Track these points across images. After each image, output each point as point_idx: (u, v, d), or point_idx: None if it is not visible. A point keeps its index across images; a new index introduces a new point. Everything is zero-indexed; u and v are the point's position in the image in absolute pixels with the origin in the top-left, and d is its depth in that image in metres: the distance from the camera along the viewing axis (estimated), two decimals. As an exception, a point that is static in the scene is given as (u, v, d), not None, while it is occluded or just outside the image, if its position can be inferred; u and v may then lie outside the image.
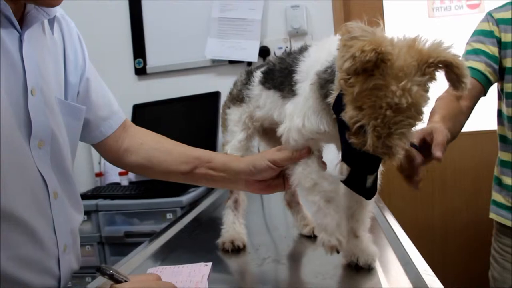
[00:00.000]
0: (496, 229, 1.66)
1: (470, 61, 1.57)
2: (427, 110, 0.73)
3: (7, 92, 0.78)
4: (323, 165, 0.93)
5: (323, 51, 0.88)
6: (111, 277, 0.69)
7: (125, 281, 0.69)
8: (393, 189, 2.30)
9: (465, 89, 0.72)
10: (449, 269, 2.19)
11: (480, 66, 1.55)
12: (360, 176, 0.80)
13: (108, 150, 1.12)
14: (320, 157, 0.93)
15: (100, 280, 0.99)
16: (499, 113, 1.63)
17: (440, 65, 0.71)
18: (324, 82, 0.83)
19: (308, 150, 0.92)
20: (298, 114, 0.90)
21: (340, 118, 0.78)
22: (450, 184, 2.33)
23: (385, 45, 0.69)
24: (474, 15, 2.32)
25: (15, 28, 0.82)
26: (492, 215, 1.65)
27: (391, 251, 1.05)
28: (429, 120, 1.36)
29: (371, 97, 0.70)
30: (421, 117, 0.72)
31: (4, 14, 0.79)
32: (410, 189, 2.35)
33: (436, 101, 1.48)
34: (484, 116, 2.03)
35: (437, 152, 1.13)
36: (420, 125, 0.73)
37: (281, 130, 0.95)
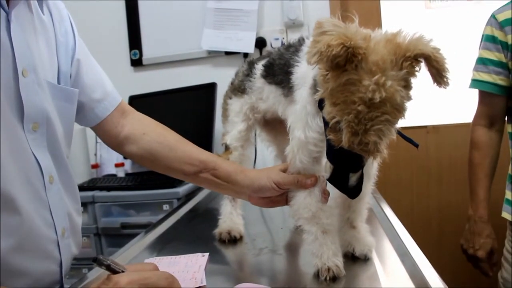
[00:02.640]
0: (510, 230, 1.62)
1: (479, 72, 1.59)
2: (409, 106, 0.71)
3: None
4: (325, 195, 0.92)
5: None
6: (108, 268, 0.68)
7: (122, 271, 0.69)
8: (389, 180, 2.31)
9: (447, 83, 0.70)
10: (446, 260, 2.20)
11: (489, 78, 1.56)
12: (342, 174, 0.79)
13: (106, 135, 1.09)
14: (324, 185, 0.92)
15: (97, 271, 1.00)
16: (510, 111, 1.62)
17: (419, 59, 0.69)
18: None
19: (315, 181, 0.91)
20: (298, 126, 0.89)
21: (323, 115, 0.78)
22: (446, 175, 2.34)
23: (355, 39, 0.67)
24: (471, 5, 2.31)
25: (1, 7, 0.79)
26: (505, 214, 1.60)
27: (388, 241, 1.05)
28: (476, 187, 1.62)
29: (344, 92, 0.69)
30: (401, 114, 0.70)
31: None
32: (406, 181, 2.37)
33: (475, 147, 1.64)
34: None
35: (490, 271, 1.59)
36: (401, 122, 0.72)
37: (287, 150, 0.94)
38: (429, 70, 0.70)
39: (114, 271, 0.69)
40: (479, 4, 2.29)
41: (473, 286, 2.08)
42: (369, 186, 0.95)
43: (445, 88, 0.71)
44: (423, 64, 0.70)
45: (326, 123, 0.77)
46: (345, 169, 0.79)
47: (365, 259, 0.94)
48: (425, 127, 2.31)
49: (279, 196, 0.99)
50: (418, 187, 2.38)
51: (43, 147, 0.87)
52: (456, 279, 2.12)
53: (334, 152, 0.76)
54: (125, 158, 2.29)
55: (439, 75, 0.69)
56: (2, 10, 0.80)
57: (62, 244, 0.90)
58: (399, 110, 0.70)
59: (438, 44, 0.70)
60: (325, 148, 0.86)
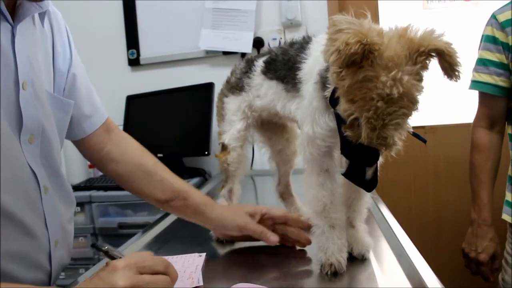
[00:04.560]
0: (510, 232, 1.60)
1: (480, 73, 1.57)
2: (422, 99, 0.72)
3: None
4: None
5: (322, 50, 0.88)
6: (106, 253, 0.72)
7: (120, 257, 0.72)
8: (387, 181, 2.31)
9: (459, 77, 0.71)
10: (443, 260, 2.21)
11: (491, 79, 1.55)
12: (359, 169, 0.80)
13: (89, 150, 1.10)
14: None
15: (94, 270, 0.99)
16: (510, 112, 1.61)
17: (432, 54, 0.70)
18: (326, 79, 0.83)
19: (278, 240, 1.00)
20: (307, 121, 0.90)
21: (336, 112, 0.78)
22: (444, 175, 2.34)
23: (371, 36, 0.68)
24: (469, 6, 2.32)
25: (7, 21, 0.80)
26: (505, 217, 1.60)
27: (385, 242, 1.06)
28: (477, 190, 1.62)
29: (362, 89, 0.70)
30: (416, 106, 0.71)
31: None
32: (404, 181, 2.37)
33: (476, 149, 1.63)
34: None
35: (491, 277, 1.59)
36: (415, 115, 0.73)
37: (299, 143, 0.96)
38: (441, 64, 0.71)
39: (112, 257, 0.72)
40: (477, 5, 2.30)
41: (470, 285, 2.07)
42: None
43: (456, 81, 0.72)
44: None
45: (341, 120, 0.78)
46: (361, 163, 0.80)
47: (362, 259, 0.95)
48: (423, 127, 2.32)
49: (241, 237, 1.06)
50: (416, 187, 2.38)
51: (37, 158, 0.87)
52: (454, 279, 2.12)
53: (350, 148, 0.77)
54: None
55: (451, 69, 0.71)
56: (7, 23, 0.81)
57: (53, 255, 0.90)
58: (414, 103, 0.71)
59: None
60: (336, 143, 0.87)
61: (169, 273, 0.74)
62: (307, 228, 1.02)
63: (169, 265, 0.75)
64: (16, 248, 0.81)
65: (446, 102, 2.25)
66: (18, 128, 0.82)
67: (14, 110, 0.81)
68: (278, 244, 1.02)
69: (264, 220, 1.04)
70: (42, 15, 0.92)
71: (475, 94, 1.63)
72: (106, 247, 0.72)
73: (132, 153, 1.12)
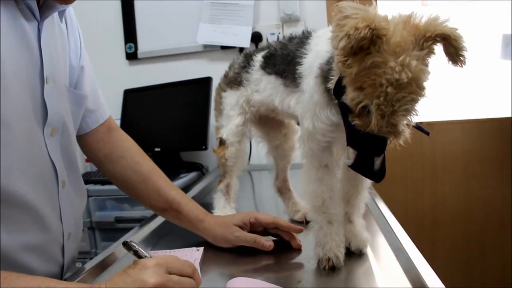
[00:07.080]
0: None
1: None
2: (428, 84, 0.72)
3: (26, 81, 0.79)
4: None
5: (322, 44, 0.88)
6: (136, 253, 0.74)
7: (148, 258, 0.74)
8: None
9: (464, 62, 0.71)
10: (440, 255, 2.22)
11: None
12: (367, 159, 0.79)
13: (87, 148, 1.11)
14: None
15: (91, 263, 1.00)
16: None
17: (438, 39, 0.70)
18: (327, 73, 0.82)
19: (272, 245, 0.98)
20: (307, 116, 0.90)
21: (342, 102, 0.78)
22: (440, 171, 2.35)
23: (379, 21, 0.68)
24: (469, 3, 2.32)
25: (35, 18, 0.82)
26: None
27: (382, 237, 1.06)
28: None
29: (371, 75, 0.69)
30: (423, 92, 0.71)
31: (28, 5, 0.80)
32: (400, 178, 2.37)
33: None
34: (473, 105, 2.04)
35: None
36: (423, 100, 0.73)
37: (298, 138, 0.96)
38: (447, 49, 0.71)
39: (140, 257, 0.74)
40: (476, 2, 2.30)
41: (466, 281, 2.09)
42: (367, 181, 0.95)
43: (462, 67, 0.72)
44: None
45: (346, 110, 0.77)
46: (370, 153, 0.78)
47: (360, 254, 0.95)
48: (420, 123, 2.31)
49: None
50: (412, 183, 2.39)
51: (58, 152, 0.89)
52: (450, 274, 2.13)
53: (358, 138, 0.76)
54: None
55: (457, 54, 0.71)
56: (35, 20, 0.82)
57: (66, 248, 0.92)
58: (422, 89, 0.71)
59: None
60: (336, 138, 0.88)
61: (195, 278, 0.76)
62: (298, 232, 1.03)
63: (196, 270, 0.77)
64: (33, 240, 0.83)
65: (443, 99, 2.25)
66: (42, 121, 0.84)
67: (39, 104, 0.83)
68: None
69: (254, 226, 1.04)
70: (61, 12, 0.93)
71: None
72: (136, 248, 0.74)
73: (130, 158, 1.11)
